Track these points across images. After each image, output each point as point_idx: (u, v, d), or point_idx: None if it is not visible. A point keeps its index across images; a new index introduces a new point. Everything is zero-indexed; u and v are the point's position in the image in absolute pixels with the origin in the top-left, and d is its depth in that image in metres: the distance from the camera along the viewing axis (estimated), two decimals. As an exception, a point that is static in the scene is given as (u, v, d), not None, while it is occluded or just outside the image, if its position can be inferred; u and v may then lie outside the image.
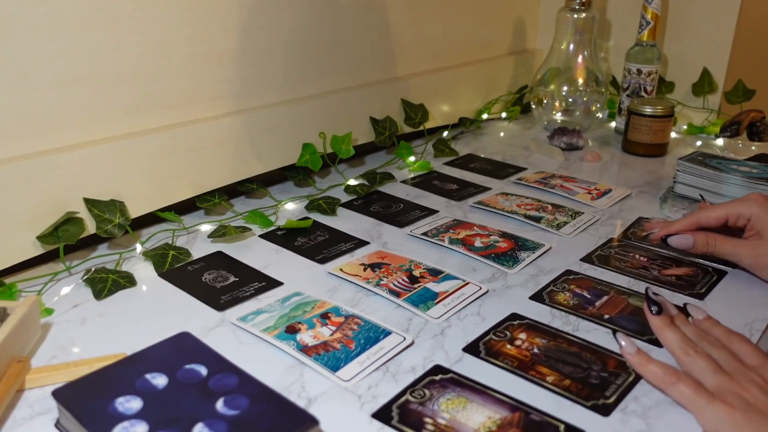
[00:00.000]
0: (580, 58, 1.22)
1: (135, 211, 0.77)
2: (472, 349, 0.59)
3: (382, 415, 0.51)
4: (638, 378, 0.55)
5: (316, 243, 0.80)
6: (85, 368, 0.54)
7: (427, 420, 0.50)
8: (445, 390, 0.53)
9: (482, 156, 1.13)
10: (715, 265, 0.75)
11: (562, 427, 0.49)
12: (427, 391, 0.53)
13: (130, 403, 0.47)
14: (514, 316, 0.64)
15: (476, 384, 0.54)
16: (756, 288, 0.70)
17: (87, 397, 0.47)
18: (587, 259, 0.76)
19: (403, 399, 0.52)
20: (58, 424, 0.49)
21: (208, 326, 0.63)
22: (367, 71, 1.05)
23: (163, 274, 0.72)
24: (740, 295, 0.69)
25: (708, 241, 0.71)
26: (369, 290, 0.69)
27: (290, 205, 0.91)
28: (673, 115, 1.11)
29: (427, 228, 0.83)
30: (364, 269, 0.72)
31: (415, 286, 0.69)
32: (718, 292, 0.69)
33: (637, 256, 0.76)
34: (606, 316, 0.64)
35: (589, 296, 0.68)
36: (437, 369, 0.56)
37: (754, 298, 0.68)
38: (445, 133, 1.19)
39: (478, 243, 0.78)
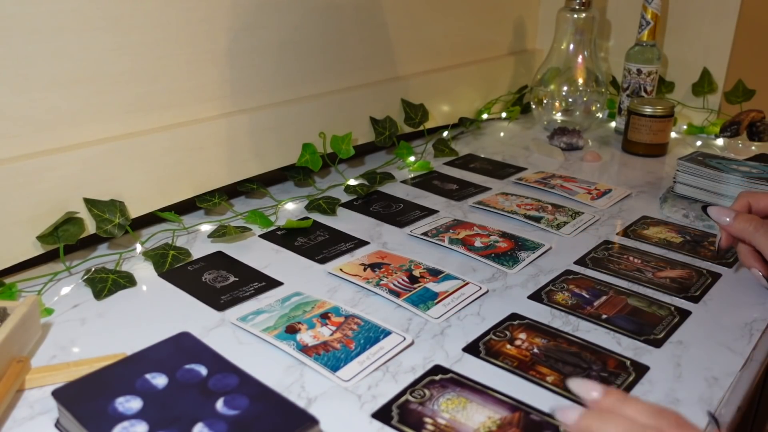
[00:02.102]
0: (580, 58, 1.22)
1: (135, 211, 0.77)
2: (472, 349, 0.59)
3: (382, 415, 0.51)
4: (638, 378, 0.55)
5: (316, 243, 0.80)
6: (85, 368, 0.54)
7: (427, 420, 0.50)
8: (445, 390, 0.53)
9: (482, 156, 1.13)
10: (709, 267, 0.75)
11: (562, 427, 0.49)
12: (427, 391, 0.53)
13: (130, 403, 0.47)
14: (514, 316, 0.64)
15: (476, 384, 0.54)
16: (752, 289, 0.70)
17: (87, 397, 0.47)
18: (581, 262, 0.76)
19: (402, 399, 0.52)
20: (58, 424, 0.50)
21: (208, 326, 0.63)
22: (367, 71, 1.05)
23: (163, 274, 0.72)
24: (737, 296, 0.69)
25: (752, 221, 0.60)
26: (369, 290, 0.69)
27: (290, 205, 0.91)
28: (673, 115, 1.11)
29: (427, 228, 0.83)
30: (364, 269, 0.72)
31: (415, 286, 0.69)
32: (715, 293, 0.69)
33: (631, 258, 0.76)
34: (604, 316, 0.64)
35: (587, 296, 0.68)
36: (437, 369, 0.56)
37: (751, 298, 0.68)
38: (445, 133, 1.19)
39: (478, 243, 0.78)
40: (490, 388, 0.53)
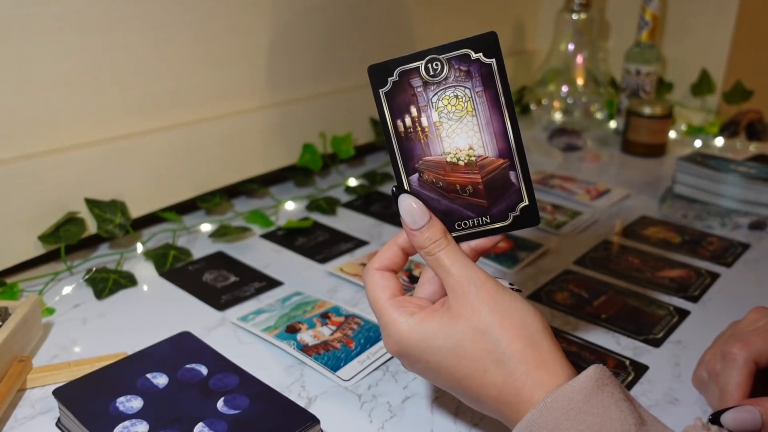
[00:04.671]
0: (579, 59, 1.23)
1: (136, 211, 0.78)
2: (471, 348, 0.59)
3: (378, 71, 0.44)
4: (637, 377, 0.55)
5: (316, 243, 0.80)
6: (86, 368, 0.54)
7: (413, 108, 0.43)
8: (462, 84, 0.43)
9: (482, 156, 1.13)
10: (708, 266, 0.75)
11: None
12: (446, 67, 0.43)
13: (131, 403, 0.47)
14: (513, 316, 0.64)
15: (502, 106, 0.43)
16: (751, 288, 0.70)
17: (88, 397, 0.48)
18: (580, 261, 0.76)
19: (416, 65, 0.44)
20: (59, 424, 0.50)
21: (208, 326, 0.63)
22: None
23: (163, 274, 0.72)
24: (736, 296, 0.69)
25: None
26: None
27: (290, 205, 0.91)
28: (671, 116, 1.11)
29: (427, 228, 0.83)
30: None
31: (415, 285, 0.69)
32: (713, 294, 0.69)
33: (630, 258, 0.76)
34: (603, 316, 0.65)
35: (587, 296, 0.68)
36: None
37: (750, 298, 0.68)
38: (445, 134, 1.19)
39: (477, 243, 0.78)
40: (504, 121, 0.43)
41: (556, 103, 1.25)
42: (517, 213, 0.44)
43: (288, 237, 0.81)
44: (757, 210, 0.85)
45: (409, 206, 0.43)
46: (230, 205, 0.89)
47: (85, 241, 0.76)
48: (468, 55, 0.43)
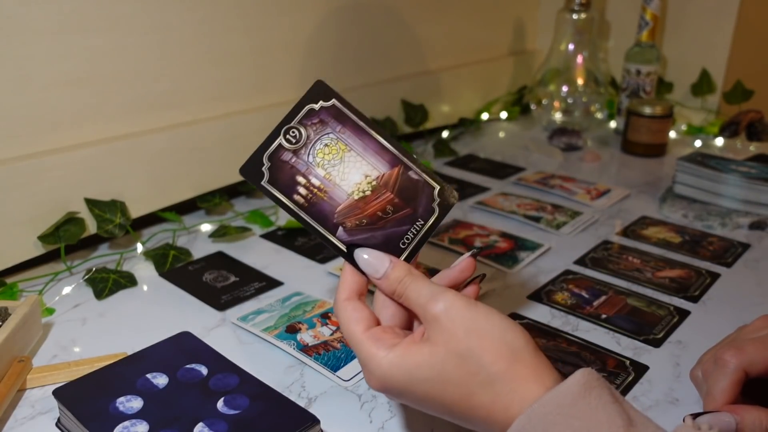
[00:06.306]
0: (579, 59, 1.23)
1: (136, 211, 0.77)
2: (471, 348, 0.59)
3: (246, 171, 0.45)
4: (637, 378, 0.55)
5: (316, 243, 0.80)
6: (85, 368, 0.54)
7: (299, 178, 0.45)
8: (324, 129, 0.46)
9: (482, 156, 1.13)
10: (708, 267, 0.75)
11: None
12: (303, 131, 0.46)
13: (131, 403, 0.47)
14: (513, 316, 0.64)
15: (360, 120, 0.46)
16: (751, 288, 0.70)
17: (88, 397, 0.48)
18: (580, 261, 0.76)
19: (275, 145, 0.45)
20: (58, 424, 0.50)
21: (208, 326, 0.63)
22: (367, 71, 1.05)
23: (163, 274, 0.72)
24: (736, 296, 0.69)
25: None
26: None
27: (290, 205, 0.91)
28: (671, 116, 1.11)
29: (427, 228, 0.83)
30: (364, 269, 0.72)
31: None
32: (714, 293, 0.69)
33: (630, 258, 0.76)
34: (603, 316, 0.64)
35: (587, 296, 0.68)
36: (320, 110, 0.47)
37: (750, 298, 0.68)
38: (445, 134, 1.20)
39: (477, 243, 0.78)
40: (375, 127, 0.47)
41: (557, 103, 1.25)
42: (437, 200, 0.46)
43: (288, 237, 0.81)
44: (757, 210, 0.85)
45: (365, 260, 0.45)
46: (230, 205, 0.89)
47: (85, 241, 0.76)
48: (312, 109, 0.46)
